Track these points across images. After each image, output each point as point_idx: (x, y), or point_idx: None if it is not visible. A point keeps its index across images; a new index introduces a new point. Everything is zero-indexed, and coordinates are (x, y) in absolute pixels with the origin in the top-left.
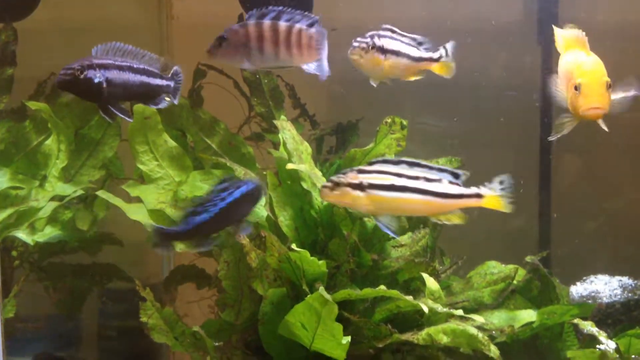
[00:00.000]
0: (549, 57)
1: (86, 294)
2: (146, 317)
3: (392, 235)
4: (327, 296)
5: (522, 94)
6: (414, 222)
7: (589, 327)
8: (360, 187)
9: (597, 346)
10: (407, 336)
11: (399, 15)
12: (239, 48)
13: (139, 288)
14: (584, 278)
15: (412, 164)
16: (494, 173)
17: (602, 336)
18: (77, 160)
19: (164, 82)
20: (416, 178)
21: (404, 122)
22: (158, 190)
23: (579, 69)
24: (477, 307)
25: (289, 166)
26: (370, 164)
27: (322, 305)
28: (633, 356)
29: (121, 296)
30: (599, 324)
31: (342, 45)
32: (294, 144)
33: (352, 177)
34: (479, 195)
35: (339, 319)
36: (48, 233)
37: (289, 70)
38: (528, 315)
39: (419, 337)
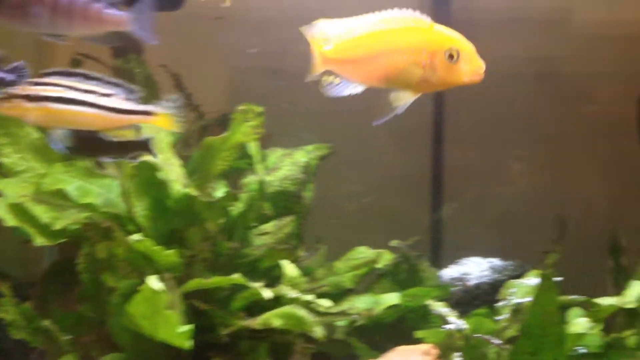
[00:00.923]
0: None
1: None
2: (4, 313)
3: (60, 149)
4: (157, 286)
5: None
6: (280, 210)
7: (439, 307)
8: (30, 98)
9: (444, 326)
10: (247, 322)
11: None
12: (17, 9)
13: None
14: (457, 261)
15: (88, 77)
16: (387, 164)
17: (451, 316)
18: None
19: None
20: (89, 92)
21: (258, 110)
22: (21, 183)
23: (451, 38)
24: (339, 292)
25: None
26: (46, 75)
27: (154, 294)
28: (476, 335)
29: None
30: (467, 305)
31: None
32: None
33: (24, 89)
34: (148, 113)
35: (192, 308)
36: None
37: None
38: (392, 298)
39: (256, 322)
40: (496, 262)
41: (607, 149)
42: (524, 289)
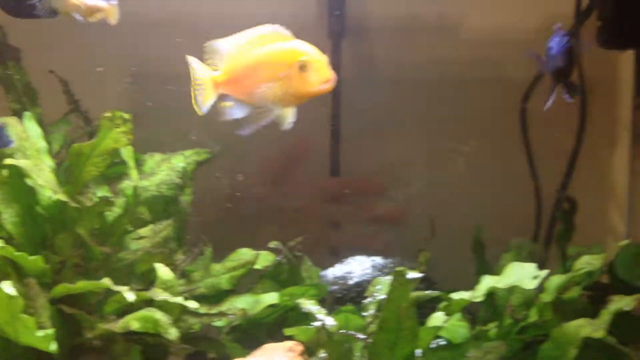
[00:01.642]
0: (339, 50)
1: None
2: None
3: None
4: (10, 291)
5: None
6: (157, 215)
7: (307, 305)
8: None
9: (313, 323)
10: (109, 325)
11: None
12: None
13: None
14: (343, 260)
15: None
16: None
17: (320, 313)
18: None
19: None
20: None
21: (126, 116)
22: None
23: (299, 50)
24: (216, 293)
25: (7, 161)
26: None
27: (10, 300)
28: (342, 330)
29: None
30: (350, 302)
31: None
32: (18, 140)
33: None
34: None
35: (60, 313)
36: None
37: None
38: (270, 298)
39: (117, 325)
40: (378, 260)
41: (490, 151)
42: (387, 285)
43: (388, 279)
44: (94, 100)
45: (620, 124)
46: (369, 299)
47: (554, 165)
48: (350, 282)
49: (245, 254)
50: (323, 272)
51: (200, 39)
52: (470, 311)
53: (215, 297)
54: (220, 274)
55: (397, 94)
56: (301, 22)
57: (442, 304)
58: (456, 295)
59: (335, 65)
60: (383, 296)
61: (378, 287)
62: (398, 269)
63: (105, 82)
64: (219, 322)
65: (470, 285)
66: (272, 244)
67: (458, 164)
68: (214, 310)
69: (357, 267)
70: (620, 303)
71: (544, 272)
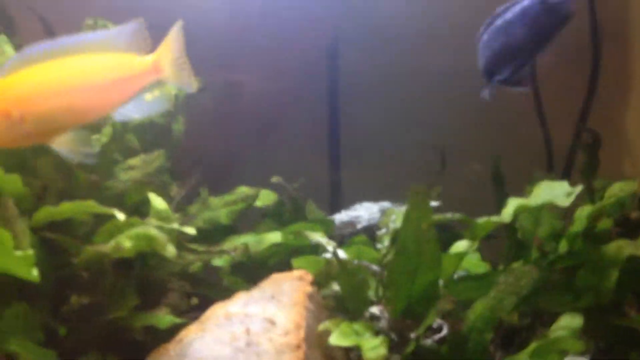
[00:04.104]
0: None
1: None
2: None
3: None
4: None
5: None
6: (148, 145)
7: (316, 237)
8: None
9: (323, 254)
10: (98, 247)
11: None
12: None
13: None
14: (349, 206)
15: None
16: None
17: (330, 245)
18: None
19: None
20: None
21: (109, 25)
22: None
23: None
24: (214, 228)
25: None
26: None
27: None
28: (356, 261)
29: None
30: None
31: None
32: None
33: None
34: None
35: (44, 240)
36: None
37: None
38: (274, 237)
39: (108, 246)
40: (385, 204)
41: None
42: (402, 214)
43: (402, 208)
44: None
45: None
46: (382, 230)
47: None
48: (359, 226)
49: (244, 190)
50: (329, 217)
51: None
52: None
53: (214, 232)
54: (219, 207)
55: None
56: None
57: (466, 231)
58: (480, 220)
59: None
60: (399, 225)
61: (392, 217)
62: (415, 185)
63: None
64: (218, 262)
65: None
66: (275, 179)
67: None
68: (213, 248)
69: (364, 212)
70: None
71: (578, 188)
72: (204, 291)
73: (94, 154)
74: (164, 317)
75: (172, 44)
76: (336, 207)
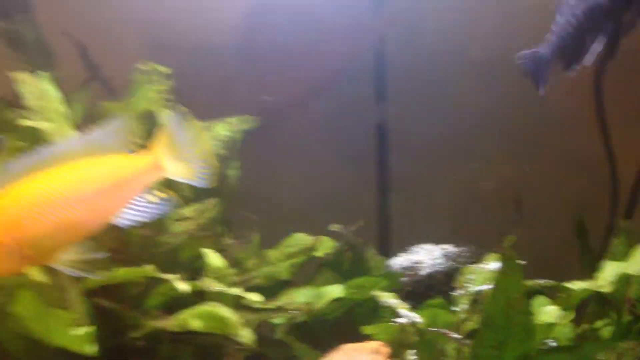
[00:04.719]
0: None
1: None
2: None
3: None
4: (41, 278)
5: None
6: (201, 192)
7: (388, 299)
8: None
9: (395, 319)
10: (162, 323)
11: None
12: None
13: None
14: (407, 248)
15: None
16: (330, 148)
17: (403, 308)
18: None
19: None
20: None
21: (163, 70)
22: None
23: None
24: (274, 284)
25: (25, 122)
26: None
27: (39, 288)
28: (434, 329)
29: None
30: (420, 297)
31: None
32: (37, 100)
33: None
34: None
35: (98, 308)
36: None
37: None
38: (335, 291)
39: (172, 323)
40: (450, 248)
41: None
42: (483, 275)
43: (482, 267)
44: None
45: None
46: (459, 291)
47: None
48: (421, 272)
49: (302, 239)
50: (387, 262)
51: None
52: None
53: (272, 288)
54: (278, 261)
55: None
56: None
57: (559, 296)
58: (575, 285)
59: None
60: (478, 287)
61: (470, 276)
62: (507, 252)
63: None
64: (277, 319)
65: (568, 276)
66: (333, 228)
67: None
68: (271, 305)
69: (425, 257)
70: None
71: None
72: (263, 350)
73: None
74: None
75: (168, 138)
76: (385, 237)
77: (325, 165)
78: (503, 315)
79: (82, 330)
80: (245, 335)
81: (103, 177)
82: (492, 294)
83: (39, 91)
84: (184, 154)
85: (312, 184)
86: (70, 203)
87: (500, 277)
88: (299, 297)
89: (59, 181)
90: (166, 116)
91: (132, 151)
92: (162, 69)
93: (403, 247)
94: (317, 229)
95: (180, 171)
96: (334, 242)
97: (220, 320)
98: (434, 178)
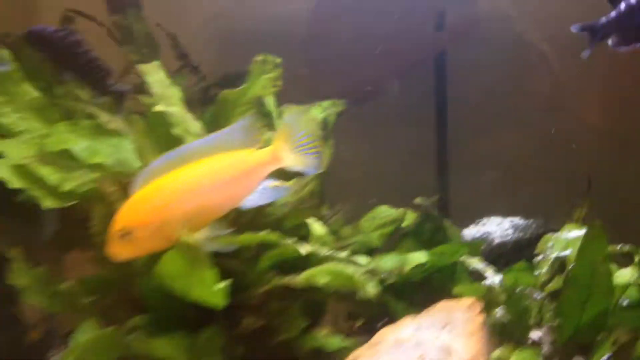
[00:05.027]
0: None
1: None
2: (16, 278)
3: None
4: (193, 241)
5: None
6: None
7: (475, 263)
8: None
9: (483, 281)
10: (287, 280)
11: None
12: None
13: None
14: (477, 220)
15: None
16: (392, 121)
17: (488, 271)
18: None
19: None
20: None
21: (277, 61)
22: (22, 144)
23: None
24: (367, 251)
25: (156, 108)
26: None
27: (190, 251)
28: (519, 288)
29: None
30: (492, 264)
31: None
32: (161, 88)
33: None
34: None
35: (221, 268)
36: None
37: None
38: (419, 257)
39: (298, 279)
40: (518, 220)
41: None
42: (561, 242)
43: (560, 235)
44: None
45: None
46: (540, 257)
47: None
48: (494, 242)
49: (387, 211)
50: (462, 233)
51: None
52: None
53: (365, 254)
54: (370, 231)
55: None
56: None
57: (637, 258)
58: None
59: None
60: (558, 254)
61: (550, 244)
62: (594, 221)
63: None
64: (371, 281)
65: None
66: (419, 200)
67: None
68: (369, 268)
69: (495, 228)
70: None
71: None
72: (358, 310)
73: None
74: (332, 339)
75: (287, 133)
76: (445, 211)
77: (391, 145)
78: (587, 276)
79: (220, 286)
80: (370, 290)
81: (232, 169)
82: (577, 257)
83: (161, 80)
84: (298, 147)
85: (380, 162)
86: (206, 191)
87: (585, 242)
88: (387, 262)
89: (197, 173)
90: (286, 116)
91: (256, 146)
92: (273, 59)
93: (461, 221)
94: (388, 202)
95: (295, 161)
96: (415, 215)
97: (347, 276)
98: (489, 156)
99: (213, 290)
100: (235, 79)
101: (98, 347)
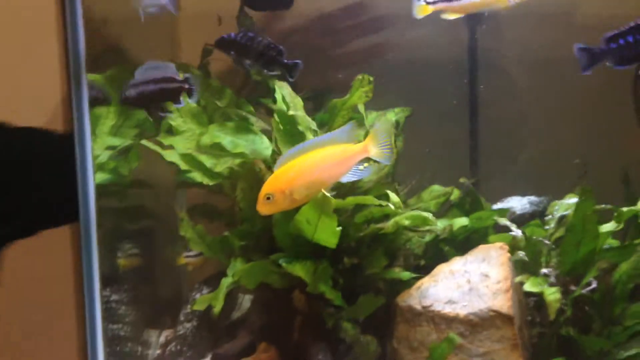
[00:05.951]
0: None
1: None
2: (184, 232)
3: None
4: (328, 194)
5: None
6: None
7: (503, 220)
8: None
9: (509, 233)
10: (380, 225)
11: None
12: None
13: (178, 212)
14: (502, 199)
15: None
16: (424, 104)
17: (513, 226)
18: (118, 120)
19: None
20: None
21: (371, 79)
22: (184, 140)
23: None
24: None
25: (291, 112)
26: None
27: (323, 201)
28: (534, 237)
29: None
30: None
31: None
32: (290, 97)
33: None
34: None
35: None
36: (98, 178)
37: None
38: (463, 221)
39: (389, 223)
40: (532, 197)
41: None
42: (564, 206)
43: (563, 201)
44: None
45: None
46: (549, 217)
47: None
48: (515, 214)
49: (439, 188)
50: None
51: None
52: None
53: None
54: (429, 200)
55: None
56: None
57: (614, 215)
58: (625, 209)
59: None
60: (561, 213)
61: (556, 207)
62: (584, 185)
63: None
64: (428, 237)
65: None
66: (462, 180)
67: None
68: (425, 228)
69: (516, 204)
70: None
71: None
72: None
73: None
74: (404, 273)
75: (378, 134)
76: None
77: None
78: (580, 224)
79: (337, 230)
80: (439, 226)
81: (338, 156)
82: (574, 211)
83: (289, 92)
84: (380, 143)
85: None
86: (320, 170)
87: (580, 200)
88: (440, 224)
89: (315, 158)
90: (381, 122)
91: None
92: (369, 77)
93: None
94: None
95: (377, 154)
96: (459, 191)
97: (423, 218)
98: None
99: (333, 233)
100: (320, 95)
101: (252, 270)
